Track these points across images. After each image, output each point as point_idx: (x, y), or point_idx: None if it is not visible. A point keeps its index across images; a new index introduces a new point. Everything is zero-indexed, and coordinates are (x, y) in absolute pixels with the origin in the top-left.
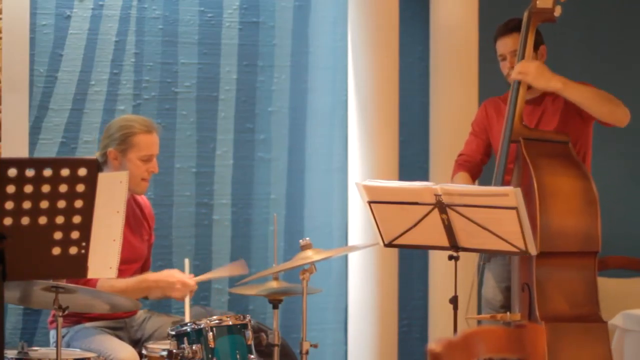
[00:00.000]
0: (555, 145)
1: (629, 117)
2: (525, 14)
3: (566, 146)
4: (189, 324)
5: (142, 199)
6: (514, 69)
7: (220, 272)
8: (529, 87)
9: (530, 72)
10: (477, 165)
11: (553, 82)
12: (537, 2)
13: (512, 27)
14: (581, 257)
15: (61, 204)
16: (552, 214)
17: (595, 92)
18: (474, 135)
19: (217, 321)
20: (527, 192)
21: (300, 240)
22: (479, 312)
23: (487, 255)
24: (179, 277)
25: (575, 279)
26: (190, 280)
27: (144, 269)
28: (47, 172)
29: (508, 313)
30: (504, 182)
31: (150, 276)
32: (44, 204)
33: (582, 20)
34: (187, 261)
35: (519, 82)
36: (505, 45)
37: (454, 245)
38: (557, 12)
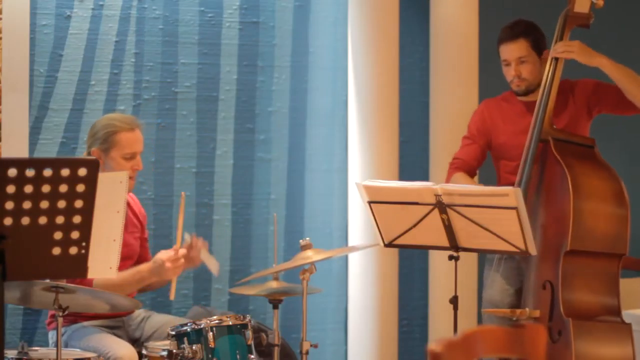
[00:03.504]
0: (582, 148)
1: None
2: (561, 19)
3: (592, 150)
4: (189, 324)
5: (130, 197)
6: (554, 49)
7: (205, 255)
8: (533, 91)
9: (574, 48)
10: (473, 170)
11: (598, 58)
12: (575, 6)
13: (518, 32)
14: (608, 258)
15: (61, 204)
16: (585, 213)
17: (634, 75)
18: (470, 139)
19: (217, 321)
20: (556, 190)
21: (301, 240)
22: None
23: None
24: (166, 257)
25: (600, 279)
26: (176, 253)
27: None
28: (47, 172)
29: (527, 309)
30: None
31: (143, 267)
32: (44, 204)
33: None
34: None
35: (555, 67)
36: (510, 51)
37: (454, 245)
38: (591, 17)
